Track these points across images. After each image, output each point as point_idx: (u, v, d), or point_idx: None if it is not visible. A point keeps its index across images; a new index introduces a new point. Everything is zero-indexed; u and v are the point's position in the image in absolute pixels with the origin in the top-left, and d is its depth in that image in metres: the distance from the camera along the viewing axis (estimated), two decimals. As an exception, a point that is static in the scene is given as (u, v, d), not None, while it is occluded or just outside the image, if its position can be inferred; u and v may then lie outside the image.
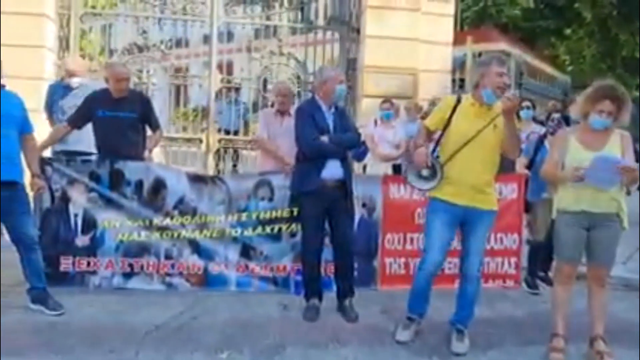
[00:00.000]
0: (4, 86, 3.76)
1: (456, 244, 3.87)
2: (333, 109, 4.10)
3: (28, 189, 3.94)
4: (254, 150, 8.45)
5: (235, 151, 8.62)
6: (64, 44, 7.58)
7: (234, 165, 8.62)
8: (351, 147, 4.06)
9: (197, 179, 4.71)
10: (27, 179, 3.96)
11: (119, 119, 4.51)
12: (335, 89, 4.04)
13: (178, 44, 9.52)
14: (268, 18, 8.39)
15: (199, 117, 9.63)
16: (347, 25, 8.18)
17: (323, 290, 4.23)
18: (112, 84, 4.59)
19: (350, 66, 8.05)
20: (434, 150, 3.71)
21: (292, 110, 4.69)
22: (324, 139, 3.98)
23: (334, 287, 4.29)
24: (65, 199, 4.45)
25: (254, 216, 4.64)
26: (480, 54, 10.23)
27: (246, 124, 8.73)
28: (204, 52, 8.85)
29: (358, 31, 8.06)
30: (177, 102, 9.26)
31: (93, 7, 7.96)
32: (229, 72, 8.66)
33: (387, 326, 3.96)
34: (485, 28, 12.41)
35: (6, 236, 3.94)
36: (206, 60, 8.19)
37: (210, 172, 7.41)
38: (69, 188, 4.45)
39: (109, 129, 4.52)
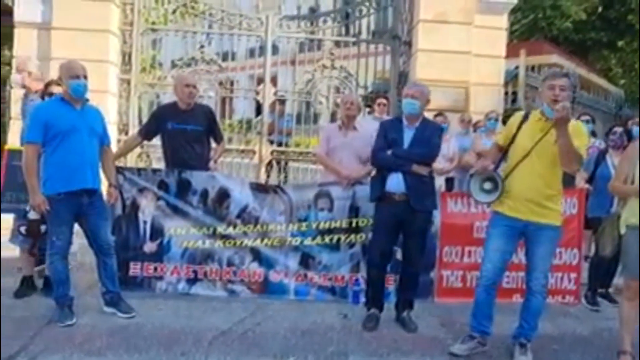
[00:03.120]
0: (87, 100, 4.00)
1: (514, 258, 3.88)
2: (418, 124, 4.15)
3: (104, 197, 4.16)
4: (304, 162, 8.64)
5: (286, 162, 8.80)
6: (125, 59, 7.93)
7: (285, 177, 8.79)
8: (421, 162, 4.08)
9: (259, 189, 4.87)
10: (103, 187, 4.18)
11: (186, 131, 4.71)
12: (402, 103, 4.16)
13: (225, 57, 9.80)
14: (312, 32, 8.58)
15: (244, 129, 9.88)
16: (399, 39, 8.28)
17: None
18: (179, 91, 4.78)
19: (402, 80, 8.13)
20: (498, 165, 3.75)
21: (357, 124, 4.80)
22: (389, 152, 4.08)
23: (391, 298, 4.35)
24: (136, 207, 4.66)
25: (313, 226, 4.75)
26: (533, 68, 10.15)
27: (289, 135, 8.90)
28: (251, 65, 9.12)
29: (409, 44, 8.13)
30: (222, 114, 9.53)
31: (153, 22, 8.28)
32: (274, 84, 8.87)
33: (447, 339, 3.98)
34: (536, 41, 12.26)
35: (84, 240, 4.15)
36: (251, 73, 8.43)
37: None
38: (139, 196, 4.66)
39: (177, 140, 4.73)
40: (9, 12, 8.08)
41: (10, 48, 7.81)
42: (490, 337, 3.81)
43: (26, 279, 4.52)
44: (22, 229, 4.12)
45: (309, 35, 8.66)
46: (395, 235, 4.20)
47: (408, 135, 4.11)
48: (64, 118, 3.83)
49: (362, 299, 4.57)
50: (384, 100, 6.92)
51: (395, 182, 4.07)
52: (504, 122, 6.17)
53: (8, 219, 4.61)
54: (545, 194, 3.56)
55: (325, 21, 8.58)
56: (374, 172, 4.44)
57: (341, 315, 4.37)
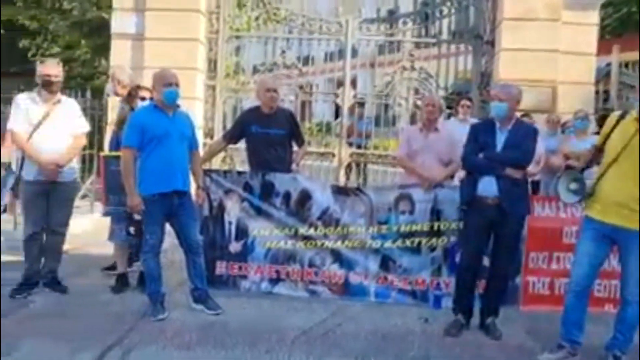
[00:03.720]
0: (178, 106, 4.22)
1: (607, 265, 3.70)
2: (510, 126, 4.06)
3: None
4: (383, 164, 8.63)
5: (365, 165, 8.82)
6: (211, 65, 8.26)
7: (364, 179, 8.82)
8: (514, 165, 3.97)
9: (340, 191, 4.93)
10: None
11: (269, 135, 4.84)
12: (490, 106, 4.09)
13: (304, 61, 9.96)
14: (392, 34, 8.53)
15: (324, 132, 9.99)
16: (481, 38, 8.08)
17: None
18: (261, 96, 4.93)
19: (484, 80, 7.93)
20: (589, 166, 3.61)
21: (439, 125, 4.75)
22: (480, 156, 4.01)
23: (475, 304, 4.26)
24: (222, 208, 4.83)
25: (394, 229, 4.74)
26: (627, 64, 9.58)
27: (368, 138, 8.89)
28: (330, 68, 9.22)
29: (492, 44, 7.92)
30: (302, 117, 9.68)
31: (237, 30, 8.57)
32: (353, 87, 8.90)
33: (534, 347, 3.85)
34: (630, 36, 11.53)
35: (174, 239, 4.36)
36: (330, 77, 8.52)
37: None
38: (225, 198, 4.83)
39: (261, 144, 4.87)
40: (106, 25, 8.65)
41: (107, 59, 8.35)
42: (581, 348, 3.64)
43: (121, 276, 4.81)
44: (131, 229, 4.39)
45: (389, 38, 8.65)
46: (487, 240, 4.10)
47: (500, 138, 4.01)
48: (157, 124, 4.06)
49: (443, 304, 4.50)
50: (467, 102, 6.78)
51: (488, 186, 3.97)
52: (599, 123, 5.88)
53: (106, 219, 4.94)
54: (636, 197, 3.36)
55: (405, 23, 8.54)
56: (459, 175, 4.37)
57: (422, 319, 4.32)
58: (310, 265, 4.80)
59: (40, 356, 3.49)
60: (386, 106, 8.73)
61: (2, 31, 11.26)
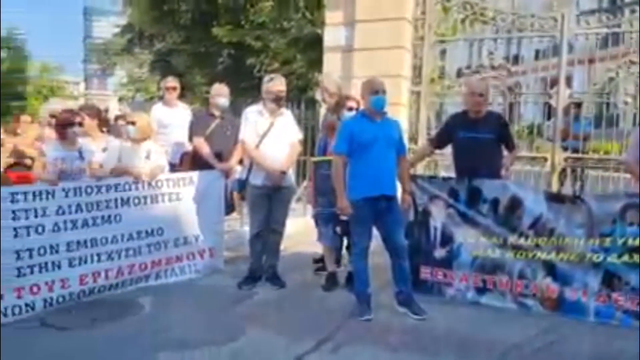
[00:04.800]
0: (385, 113, 4.35)
1: None
2: None
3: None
4: (603, 169, 7.77)
5: (582, 170, 8.03)
6: (415, 71, 8.31)
7: (581, 186, 8.04)
8: None
9: (555, 199, 4.56)
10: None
11: (477, 140, 4.70)
12: None
13: (513, 61, 9.41)
14: (617, 25, 7.61)
15: (534, 135, 9.32)
16: None
17: None
18: (468, 100, 4.82)
19: None
20: None
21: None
22: None
23: None
24: (427, 213, 4.83)
25: (619, 242, 4.24)
26: None
27: (586, 140, 8.05)
28: (542, 66, 8.57)
29: None
30: (510, 120, 9.14)
31: (442, 34, 8.49)
32: (568, 86, 8.15)
33: None
34: None
35: (380, 242, 4.49)
36: (542, 76, 7.92)
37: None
38: (430, 203, 4.82)
39: (468, 149, 4.76)
40: (319, 40, 9.27)
41: (320, 71, 8.93)
42: None
43: (331, 275, 5.09)
44: (338, 229, 4.67)
45: (612, 29, 7.76)
46: None
47: None
48: (366, 131, 4.23)
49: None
50: None
51: None
52: None
53: (311, 221, 5.30)
54: None
55: (632, 11, 7.58)
56: None
57: (655, 346, 3.79)
58: (520, 276, 4.53)
59: (262, 343, 3.87)
60: (607, 105, 7.84)
61: (232, 51, 12.79)
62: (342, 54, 8.34)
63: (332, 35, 8.38)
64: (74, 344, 3.77)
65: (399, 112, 7.62)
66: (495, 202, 4.61)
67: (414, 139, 8.16)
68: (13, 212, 4.14)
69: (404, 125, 7.95)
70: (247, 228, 5.60)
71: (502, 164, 4.87)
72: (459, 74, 8.94)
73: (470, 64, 8.79)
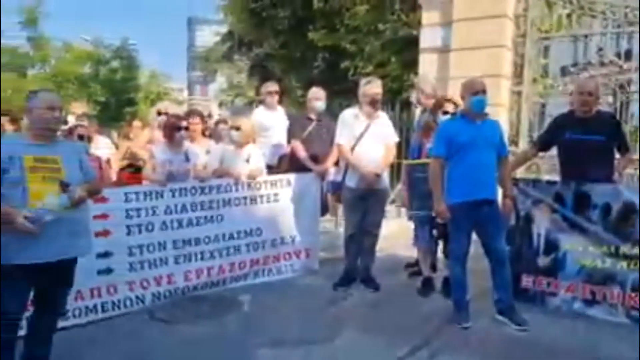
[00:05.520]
0: (486, 114, 4.21)
1: None
2: None
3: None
4: None
5: None
6: (517, 70, 7.98)
7: None
8: None
9: (678, 205, 4.19)
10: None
11: (585, 141, 4.41)
12: None
13: (625, 57, 8.74)
14: None
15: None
16: None
17: None
18: (576, 99, 4.55)
19: None
20: None
21: None
22: None
23: None
24: (529, 219, 4.61)
25: None
26: None
27: None
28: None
29: None
30: (621, 120, 8.50)
31: (545, 31, 8.09)
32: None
33: None
34: None
35: (479, 247, 4.35)
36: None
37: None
38: (533, 208, 4.59)
39: (575, 151, 4.48)
40: (414, 41, 9.16)
41: (416, 73, 8.82)
42: None
43: (426, 279, 5.00)
44: (434, 232, 4.59)
45: None
46: None
47: None
48: (464, 133, 4.11)
49: None
50: None
51: None
52: None
53: (411, 224, 5.22)
54: None
55: None
56: None
57: None
58: (634, 289, 4.21)
59: (357, 345, 3.87)
60: None
61: (327, 55, 12.94)
62: (439, 55, 8.21)
63: (429, 35, 8.26)
64: (178, 337, 3.97)
65: (499, 113, 7.35)
66: (606, 208, 4.30)
67: (514, 141, 7.85)
68: (126, 210, 4.44)
69: (504, 127, 7.66)
70: (341, 230, 5.64)
71: (614, 168, 4.55)
72: (564, 72, 8.46)
73: (576, 61, 8.28)
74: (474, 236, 4.27)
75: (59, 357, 3.28)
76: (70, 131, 4.40)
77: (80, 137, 4.42)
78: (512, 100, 7.95)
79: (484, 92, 4.14)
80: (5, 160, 2.89)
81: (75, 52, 23.62)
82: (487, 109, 4.31)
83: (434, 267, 5.13)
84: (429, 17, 8.38)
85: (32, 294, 3.12)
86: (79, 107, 5.88)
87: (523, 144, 7.77)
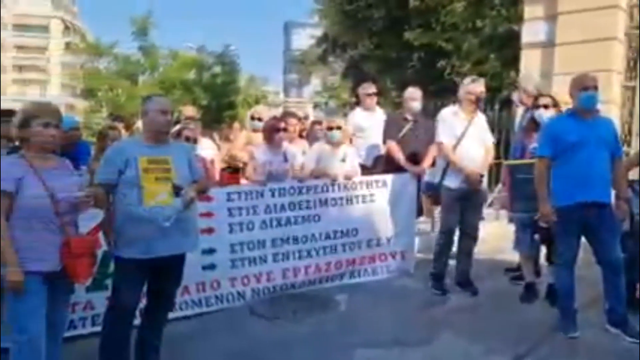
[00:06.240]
0: (597, 111, 3.96)
1: None
2: None
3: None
4: None
5: None
6: (630, 64, 7.44)
7: None
8: None
9: None
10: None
11: None
12: None
13: None
14: None
15: None
16: None
17: None
18: None
19: None
20: None
21: None
22: None
23: None
24: (645, 223, 4.28)
25: None
26: None
27: None
28: None
29: None
30: None
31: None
32: None
33: None
34: None
35: (588, 253, 4.09)
36: None
37: None
38: (648, 212, 4.27)
39: None
40: (515, 37, 8.81)
41: (516, 70, 8.49)
42: None
43: (529, 285, 4.78)
44: (536, 237, 4.40)
45: None
46: None
47: None
48: (572, 131, 3.88)
49: None
50: None
51: None
52: None
53: (511, 227, 5.01)
54: None
55: None
56: None
57: None
58: None
59: (455, 349, 3.79)
60: None
61: (422, 55, 12.75)
62: (542, 50, 7.85)
63: (531, 30, 7.91)
64: (278, 334, 4.09)
65: (611, 110, 6.91)
66: None
67: (627, 140, 7.33)
68: (229, 209, 4.63)
69: (616, 124, 7.18)
70: (437, 232, 5.53)
71: None
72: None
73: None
74: (583, 240, 4.03)
75: (168, 347, 3.48)
76: (178, 133, 4.65)
77: (187, 139, 4.65)
78: (624, 96, 7.43)
79: (595, 87, 3.89)
80: (123, 162, 3.12)
81: (181, 59, 25.00)
82: (598, 106, 4.06)
83: (537, 273, 4.90)
84: (531, 10, 8.02)
85: (145, 287, 3.34)
86: (189, 111, 6.22)
87: (636, 143, 7.23)
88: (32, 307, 2.77)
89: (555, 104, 4.68)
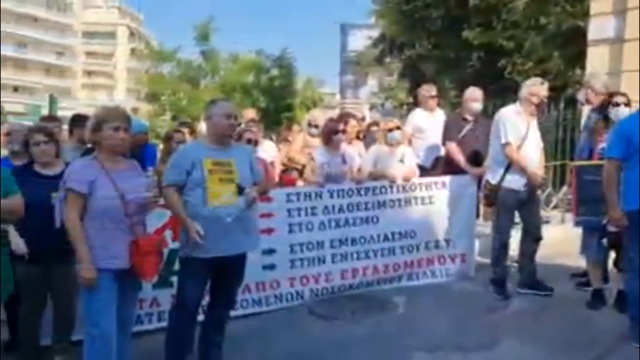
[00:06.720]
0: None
1: None
2: None
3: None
4: None
5: None
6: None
7: None
8: None
9: None
10: None
11: None
12: None
13: None
14: None
15: None
16: None
17: None
18: None
19: None
20: None
21: None
22: None
23: None
24: None
25: None
26: None
27: None
28: None
29: None
30: None
31: None
32: None
33: None
34: None
35: None
36: None
37: None
38: None
39: None
40: (580, 33, 8.50)
41: (581, 67, 8.18)
42: None
43: (597, 292, 4.59)
44: (604, 241, 4.24)
45: None
46: None
47: None
48: (645, 132, 3.70)
49: None
50: None
51: None
52: None
53: (578, 231, 4.84)
54: None
55: None
56: None
57: None
58: None
59: (517, 355, 3.70)
60: None
61: (482, 54, 12.49)
62: (610, 47, 7.52)
63: (598, 26, 7.61)
64: (336, 334, 4.12)
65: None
66: None
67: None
68: (288, 210, 4.70)
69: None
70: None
71: None
72: None
73: None
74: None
75: (228, 344, 3.57)
76: (240, 135, 4.75)
77: (249, 141, 4.75)
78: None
79: (671, 85, 3.70)
80: (189, 164, 3.23)
81: (240, 62, 25.53)
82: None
83: (605, 279, 4.71)
84: (598, 6, 7.71)
85: (208, 285, 3.44)
86: (251, 113, 6.39)
87: None
88: (104, 303, 2.91)
89: (628, 103, 4.49)
